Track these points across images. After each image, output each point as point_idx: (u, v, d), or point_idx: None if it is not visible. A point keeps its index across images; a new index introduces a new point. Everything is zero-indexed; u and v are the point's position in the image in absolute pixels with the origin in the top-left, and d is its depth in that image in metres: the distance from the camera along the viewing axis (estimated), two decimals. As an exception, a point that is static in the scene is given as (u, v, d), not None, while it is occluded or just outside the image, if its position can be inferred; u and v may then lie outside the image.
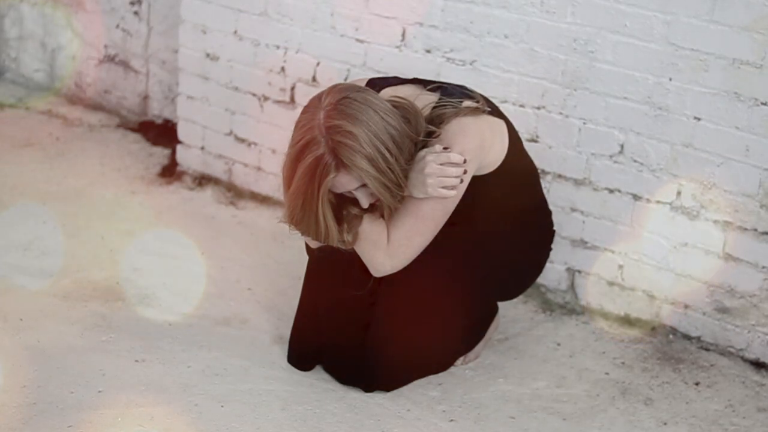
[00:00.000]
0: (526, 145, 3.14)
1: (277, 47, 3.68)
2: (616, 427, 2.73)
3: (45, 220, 3.61)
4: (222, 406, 2.68)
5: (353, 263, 2.71)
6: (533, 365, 2.99)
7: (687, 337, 3.11)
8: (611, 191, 3.13)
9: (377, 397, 2.79)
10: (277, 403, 2.72)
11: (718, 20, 2.83)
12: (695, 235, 3.02)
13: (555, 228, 2.99)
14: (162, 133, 4.35)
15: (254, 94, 3.80)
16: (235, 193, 3.93)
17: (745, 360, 3.02)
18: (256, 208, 3.84)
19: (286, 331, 2.96)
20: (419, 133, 2.51)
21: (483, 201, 2.70)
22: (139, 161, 4.15)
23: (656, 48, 2.95)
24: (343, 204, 2.55)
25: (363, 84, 2.63)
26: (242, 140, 3.88)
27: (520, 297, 3.29)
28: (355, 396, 2.79)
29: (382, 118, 2.43)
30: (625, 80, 3.02)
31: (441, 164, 2.48)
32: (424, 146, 2.52)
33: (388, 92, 2.62)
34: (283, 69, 3.69)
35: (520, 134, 3.18)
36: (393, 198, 2.49)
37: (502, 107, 3.20)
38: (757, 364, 3.00)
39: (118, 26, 4.45)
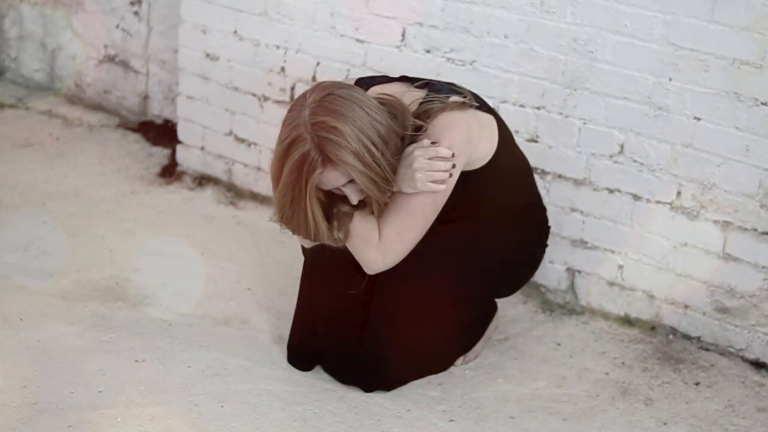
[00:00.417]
0: (527, 145, 3.14)
1: (277, 47, 3.68)
2: (616, 427, 2.73)
3: (45, 220, 3.61)
4: (222, 406, 2.68)
5: (347, 262, 2.71)
6: (533, 365, 2.99)
7: (687, 337, 3.11)
8: (611, 191, 3.13)
9: (377, 397, 2.80)
10: (277, 403, 2.72)
11: (718, 20, 2.83)
12: (695, 235, 3.02)
13: (552, 226, 2.99)
14: (162, 133, 4.35)
15: (254, 94, 3.80)
16: (235, 193, 3.93)
17: (745, 360, 3.02)
18: (256, 208, 3.84)
19: (286, 331, 2.96)
20: (406, 128, 2.51)
21: (475, 197, 2.71)
22: (139, 161, 4.15)
23: (656, 48, 2.95)
24: (333, 202, 2.56)
25: (350, 83, 2.64)
26: (242, 140, 3.88)
27: (520, 297, 3.29)
28: (355, 396, 2.79)
29: (368, 114, 2.43)
30: (625, 80, 3.02)
31: (429, 159, 2.49)
32: (413, 142, 2.53)
33: (375, 90, 2.63)
34: (283, 69, 3.70)
35: (521, 134, 3.19)
36: (381, 193, 2.49)
37: (502, 107, 3.21)
38: (757, 364, 3.00)
39: (118, 26, 4.45)
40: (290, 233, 2.59)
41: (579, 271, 3.25)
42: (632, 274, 3.16)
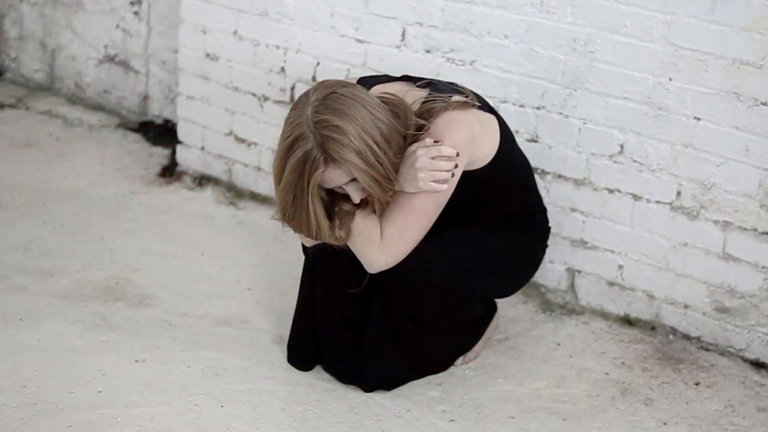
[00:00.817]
0: (527, 145, 3.14)
1: (277, 47, 3.68)
2: (616, 427, 2.73)
3: (45, 220, 3.61)
4: (222, 406, 2.68)
5: (348, 262, 2.71)
6: (533, 365, 2.99)
7: (687, 337, 3.11)
8: (611, 191, 3.13)
9: (377, 397, 2.80)
10: (277, 403, 2.72)
11: (718, 20, 2.83)
12: (695, 235, 3.02)
13: (552, 226, 2.99)
14: (162, 133, 4.35)
15: (254, 94, 3.80)
16: (235, 193, 3.93)
17: (745, 360, 3.02)
18: (256, 208, 3.84)
19: (286, 331, 2.96)
20: (408, 127, 2.51)
21: (476, 197, 2.71)
22: (139, 161, 4.15)
23: (656, 48, 2.95)
24: (335, 200, 2.56)
25: (352, 82, 2.64)
26: (242, 140, 3.88)
27: (520, 297, 3.29)
28: (355, 396, 2.79)
29: (370, 112, 2.43)
30: (625, 80, 3.02)
31: (432, 158, 2.49)
32: (414, 141, 2.53)
33: (378, 89, 2.63)
34: (283, 69, 3.70)
35: (521, 134, 3.19)
36: (383, 192, 2.49)
37: (502, 107, 3.21)
38: (757, 364, 3.00)
39: (118, 26, 4.45)
40: (292, 232, 2.59)
41: (579, 271, 3.25)
42: (632, 274, 3.16)
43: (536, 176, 3.16)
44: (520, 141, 3.12)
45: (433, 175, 2.50)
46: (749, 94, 2.84)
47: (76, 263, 3.34)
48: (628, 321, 3.19)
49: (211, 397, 2.72)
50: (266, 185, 3.86)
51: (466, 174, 2.60)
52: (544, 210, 2.93)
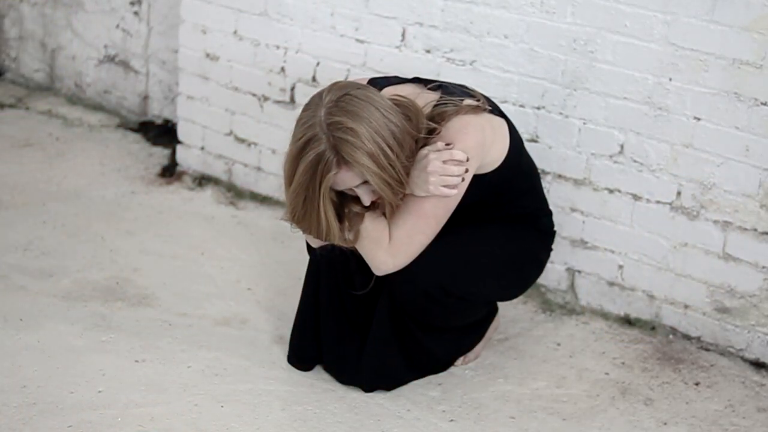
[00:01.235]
0: (527, 145, 3.14)
1: (277, 47, 3.68)
2: (616, 427, 2.73)
3: (45, 220, 3.61)
4: (222, 406, 2.68)
5: (354, 264, 2.71)
6: (533, 365, 2.99)
7: (687, 337, 3.11)
8: (611, 191, 3.13)
9: (377, 397, 2.80)
10: (277, 403, 2.73)
11: (718, 20, 2.83)
12: (695, 235, 3.02)
13: (555, 228, 2.99)
14: (162, 133, 4.35)
15: (254, 94, 3.80)
16: (235, 193, 3.93)
17: (745, 360, 3.02)
18: (256, 208, 3.84)
19: (286, 331, 2.96)
20: (420, 130, 2.51)
21: (484, 200, 2.70)
22: (139, 161, 4.15)
23: (656, 48, 2.95)
24: (344, 202, 2.56)
25: (364, 83, 2.64)
26: (242, 140, 3.88)
27: (520, 297, 3.29)
28: (355, 396, 2.79)
29: (383, 115, 2.43)
30: (625, 80, 3.02)
31: (443, 162, 2.48)
32: (426, 144, 2.52)
33: (389, 91, 2.62)
34: (283, 69, 3.70)
35: (521, 134, 3.18)
36: (394, 195, 2.49)
37: (502, 107, 3.20)
38: (757, 364, 3.00)
39: (118, 26, 4.45)
40: (298, 232, 2.59)
41: (579, 271, 3.25)
42: (632, 274, 3.16)
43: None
44: (520, 141, 3.12)
45: (444, 179, 2.49)
46: (749, 94, 2.84)
47: (76, 263, 3.34)
48: (628, 321, 3.19)
49: (211, 397, 2.72)
50: (266, 185, 3.86)
51: (475, 177, 2.59)
52: (550, 213, 2.92)
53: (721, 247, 2.99)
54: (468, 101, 2.59)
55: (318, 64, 3.61)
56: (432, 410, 2.75)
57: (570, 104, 3.13)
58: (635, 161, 3.07)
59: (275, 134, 3.77)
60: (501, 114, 2.71)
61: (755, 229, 2.93)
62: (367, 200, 2.51)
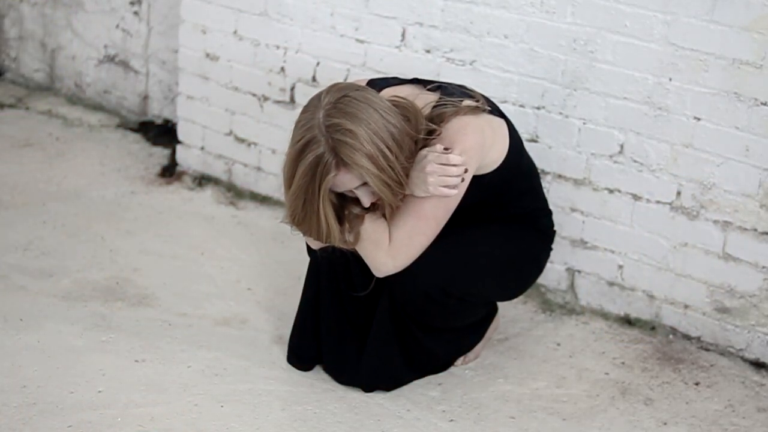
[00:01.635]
0: (527, 145, 3.14)
1: (277, 47, 3.68)
2: (616, 427, 2.73)
3: (45, 220, 3.61)
4: (222, 406, 2.68)
5: (354, 265, 2.71)
6: (533, 365, 2.99)
7: (687, 337, 3.11)
8: (611, 191, 3.13)
9: (377, 397, 2.80)
10: (277, 403, 2.73)
11: (718, 20, 2.83)
12: (695, 235, 3.02)
13: (555, 228, 2.99)
14: (162, 133, 4.35)
15: (254, 94, 3.80)
16: (235, 193, 3.93)
17: (745, 360, 3.02)
18: (256, 208, 3.84)
19: (286, 331, 2.96)
20: (419, 131, 2.51)
21: (484, 201, 2.70)
22: (139, 161, 4.15)
23: (656, 48, 2.95)
24: (344, 204, 2.56)
25: (363, 84, 2.64)
26: (242, 140, 3.88)
27: (520, 297, 3.29)
28: (355, 396, 2.79)
29: (382, 116, 2.43)
30: (625, 80, 3.02)
31: (442, 163, 2.48)
32: (425, 145, 2.52)
33: (388, 92, 2.62)
34: (283, 69, 3.70)
35: (521, 134, 3.18)
36: (394, 196, 2.49)
37: (502, 107, 3.20)
38: (757, 364, 3.00)
39: (118, 26, 4.45)
40: (299, 234, 2.59)
41: (579, 271, 3.25)
42: (632, 274, 3.16)
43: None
44: (520, 141, 3.12)
45: (444, 180, 2.49)
46: (749, 94, 2.84)
47: (76, 263, 3.34)
48: (628, 321, 3.19)
49: (210, 397, 2.72)
50: (266, 185, 3.86)
51: (475, 178, 2.59)
52: (550, 213, 2.92)
53: (721, 247, 2.99)
54: (467, 102, 2.59)
55: (318, 64, 3.61)
56: (432, 410, 2.76)
57: (570, 104, 3.13)
58: (635, 161, 3.07)
59: (275, 134, 3.77)
60: (501, 114, 2.71)
61: (755, 229, 2.93)
62: (366, 202, 2.51)
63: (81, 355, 2.85)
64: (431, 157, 2.49)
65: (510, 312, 3.23)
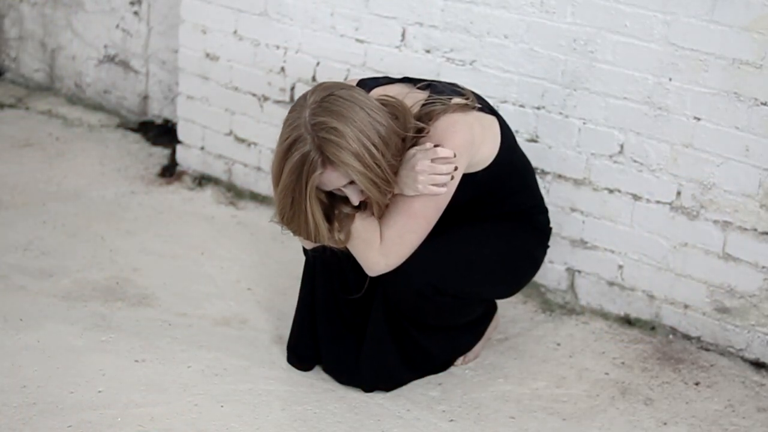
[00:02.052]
0: (527, 145, 3.14)
1: (277, 47, 3.68)
2: (616, 427, 2.73)
3: (45, 220, 3.61)
4: (222, 406, 2.68)
5: (347, 265, 2.71)
6: (533, 365, 2.99)
7: (687, 337, 3.11)
8: (611, 191, 3.13)
9: (377, 397, 2.80)
10: (277, 403, 2.73)
11: (718, 20, 2.84)
12: (695, 235, 3.02)
13: (553, 226, 2.99)
14: (162, 133, 4.35)
15: (254, 94, 3.80)
16: (235, 193, 3.93)
17: (745, 360, 3.02)
18: (256, 208, 3.84)
19: (286, 331, 2.96)
20: (408, 129, 2.51)
21: (477, 199, 2.70)
22: (139, 161, 4.15)
23: (656, 48, 2.95)
24: (335, 203, 2.56)
25: (352, 84, 2.64)
26: (242, 140, 3.88)
27: (520, 297, 3.29)
28: (355, 396, 2.79)
29: (368, 114, 2.43)
30: (625, 80, 3.02)
31: (431, 161, 2.48)
32: (414, 144, 2.52)
33: (377, 91, 2.63)
34: (282, 69, 3.70)
35: (520, 134, 3.19)
36: (381, 194, 2.49)
37: (502, 107, 3.21)
38: (757, 364, 3.00)
39: (117, 26, 4.45)
40: (291, 234, 2.59)
41: (579, 271, 3.25)
42: (632, 274, 3.16)
43: (536, 176, 3.16)
44: (520, 141, 3.12)
45: (433, 178, 2.49)
46: (749, 94, 2.84)
47: (76, 263, 3.34)
48: (628, 321, 3.19)
49: (210, 397, 2.72)
50: (266, 185, 3.86)
51: (467, 176, 2.59)
52: (545, 211, 2.92)
53: (721, 247, 2.99)
54: (456, 100, 2.59)
55: (318, 64, 3.61)
56: (432, 410, 2.76)
57: (570, 104, 3.13)
58: (635, 161, 3.07)
59: (275, 134, 3.75)
60: (492, 111, 2.71)
61: (755, 229, 2.93)
62: (355, 200, 2.52)
63: (81, 355, 2.85)
64: (421, 155, 2.49)
65: (510, 312, 3.23)
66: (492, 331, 3.03)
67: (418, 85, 2.65)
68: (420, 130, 2.53)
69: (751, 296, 2.97)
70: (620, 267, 3.17)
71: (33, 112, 4.55)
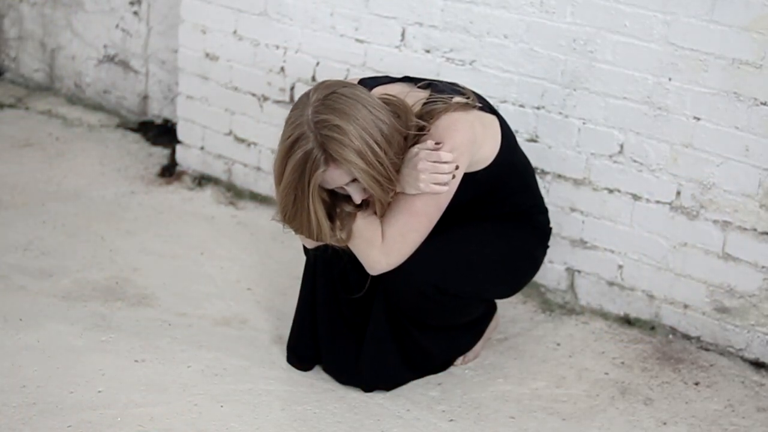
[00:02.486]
0: (526, 145, 3.14)
1: (277, 47, 3.68)
2: (616, 427, 2.73)
3: (45, 220, 3.61)
4: (222, 406, 2.68)
5: (348, 264, 2.71)
6: (533, 365, 2.99)
7: (686, 337, 3.11)
8: (611, 191, 3.14)
9: (377, 397, 2.80)
10: (277, 403, 2.73)
11: (718, 20, 2.84)
12: (695, 235, 3.03)
13: (552, 226, 2.99)
14: (162, 133, 4.35)
15: (254, 94, 3.80)
16: (235, 193, 3.93)
17: (744, 360, 3.02)
18: (256, 208, 3.84)
19: (286, 331, 2.96)
20: (409, 127, 2.51)
21: (477, 198, 2.70)
22: (139, 161, 4.15)
23: (656, 48, 2.95)
24: (336, 202, 2.56)
25: (353, 82, 2.64)
26: (242, 140, 3.88)
27: (520, 297, 3.29)
28: (355, 396, 2.79)
29: (371, 112, 2.43)
30: (624, 80, 3.02)
31: (433, 161, 2.49)
32: (416, 142, 2.53)
33: (378, 90, 2.63)
34: (282, 69, 3.70)
35: (520, 134, 3.19)
36: (384, 192, 2.49)
37: (502, 107, 3.21)
38: (757, 364, 3.00)
39: (117, 26, 4.45)
40: (293, 232, 2.59)
41: (579, 271, 3.25)
42: (632, 274, 3.16)
43: (536, 176, 3.16)
44: (520, 141, 3.12)
45: (435, 177, 2.49)
46: (749, 94, 2.84)
47: (76, 263, 3.34)
48: (627, 321, 3.20)
49: (210, 397, 2.72)
50: (266, 185, 3.86)
51: (467, 175, 2.60)
52: (545, 211, 2.92)
53: (721, 247, 2.99)
54: (457, 99, 2.59)
55: (318, 64, 3.61)
56: (432, 410, 2.76)
57: (570, 104, 3.13)
58: (635, 161, 3.07)
59: (275, 134, 3.76)
60: (492, 111, 2.71)
61: (755, 229, 2.93)
62: (357, 198, 2.52)
63: (81, 355, 2.85)
64: (422, 154, 2.49)
65: (510, 312, 3.23)
66: (492, 331, 3.03)
67: (419, 85, 2.66)
68: (421, 129, 2.53)
69: (751, 296, 2.97)
70: (620, 267, 3.18)
71: (33, 112, 4.55)
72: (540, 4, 3.10)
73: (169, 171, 4.08)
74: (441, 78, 3.23)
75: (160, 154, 4.22)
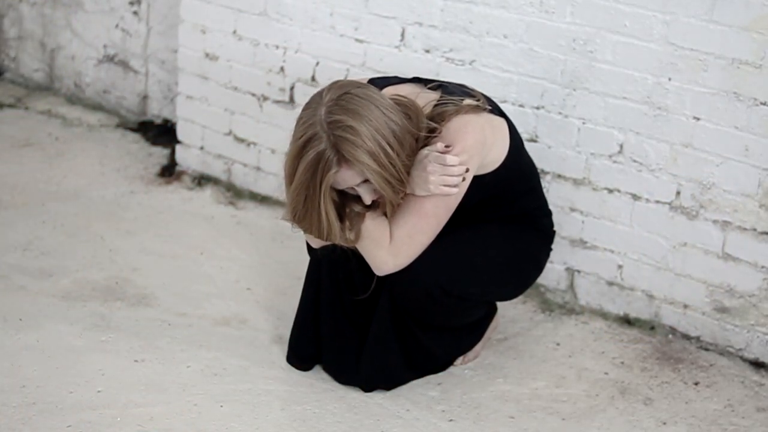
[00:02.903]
0: (526, 145, 3.14)
1: (277, 47, 3.68)
2: (616, 427, 2.73)
3: (45, 220, 3.61)
4: (221, 406, 2.68)
5: (355, 264, 2.71)
6: (532, 365, 2.99)
7: (686, 337, 3.11)
8: (610, 191, 3.14)
9: (377, 397, 2.80)
10: (277, 403, 2.73)
11: (718, 20, 2.84)
12: (694, 234, 3.03)
13: (555, 228, 2.99)
14: (161, 133, 4.35)
15: (253, 94, 3.80)
16: (235, 193, 3.93)
17: (744, 360, 3.02)
18: (256, 208, 3.84)
19: (286, 331, 2.96)
20: (420, 129, 2.51)
21: (484, 200, 2.70)
22: (139, 161, 4.15)
23: (656, 48, 2.95)
24: (345, 202, 2.56)
25: (366, 83, 2.64)
26: (241, 140, 3.88)
27: (520, 297, 3.29)
28: (354, 396, 2.79)
29: (383, 113, 2.43)
30: (624, 80, 3.02)
31: (443, 163, 2.49)
32: (426, 144, 2.52)
33: (388, 91, 2.62)
34: (282, 69, 3.70)
35: (520, 134, 3.18)
36: (395, 193, 2.49)
37: (502, 107, 3.20)
38: (757, 364, 3.00)
39: (117, 26, 4.45)
40: (299, 232, 2.59)
41: (578, 271, 3.25)
42: (631, 274, 3.16)
43: (536, 176, 3.17)
44: (520, 141, 3.12)
45: (444, 179, 2.49)
46: (748, 94, 2.84)
47: (75, 263, 3.34)
48: (627, 321, 3.20)
49: (210, 396, 2.72)
50: (266, 185, 3.86)
51: (475, 178, 2.60)
52: (549, 214, 2.92)
53: (721, 246, 2.99)
54: (468, 101, 2.59)
55: (317, 63, 3.61)
56: (431, 410, 2.76)
57: (569, 104, 3.13)
58: (635, 161, 3.07)
59: (274, 134, 3.77)
60: (501, 114, 2.71)
61: (755, 229, 2.93)
62: (368, 199, 2.51)
63: (80, 355, 2.85)
64: (432, 156, 2.49)
65: (510, 312, 3.23)
66: (492, 331, 3.03)
67: (429, 86, 2.65)
68: (432, 130, 2.53)
69: (751, 296, 2.97)
70: (620, 267, 3.18)
71: (32, 111, 4.55)
72: (540, 4, 3.10)
73: (169, 171, 4.08)
74: (441, 78, 3.23)
75: (159, 154, 4.22)
